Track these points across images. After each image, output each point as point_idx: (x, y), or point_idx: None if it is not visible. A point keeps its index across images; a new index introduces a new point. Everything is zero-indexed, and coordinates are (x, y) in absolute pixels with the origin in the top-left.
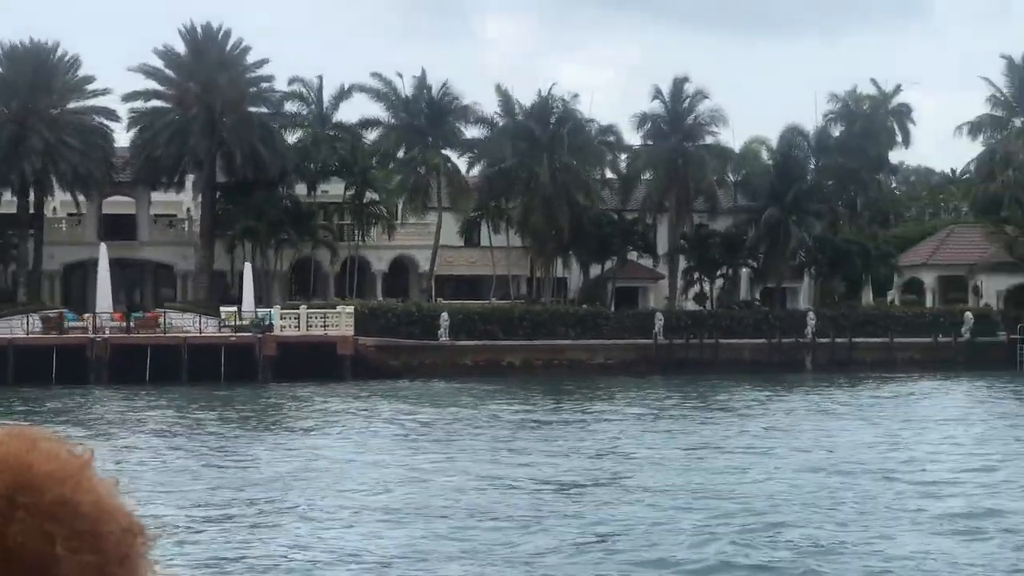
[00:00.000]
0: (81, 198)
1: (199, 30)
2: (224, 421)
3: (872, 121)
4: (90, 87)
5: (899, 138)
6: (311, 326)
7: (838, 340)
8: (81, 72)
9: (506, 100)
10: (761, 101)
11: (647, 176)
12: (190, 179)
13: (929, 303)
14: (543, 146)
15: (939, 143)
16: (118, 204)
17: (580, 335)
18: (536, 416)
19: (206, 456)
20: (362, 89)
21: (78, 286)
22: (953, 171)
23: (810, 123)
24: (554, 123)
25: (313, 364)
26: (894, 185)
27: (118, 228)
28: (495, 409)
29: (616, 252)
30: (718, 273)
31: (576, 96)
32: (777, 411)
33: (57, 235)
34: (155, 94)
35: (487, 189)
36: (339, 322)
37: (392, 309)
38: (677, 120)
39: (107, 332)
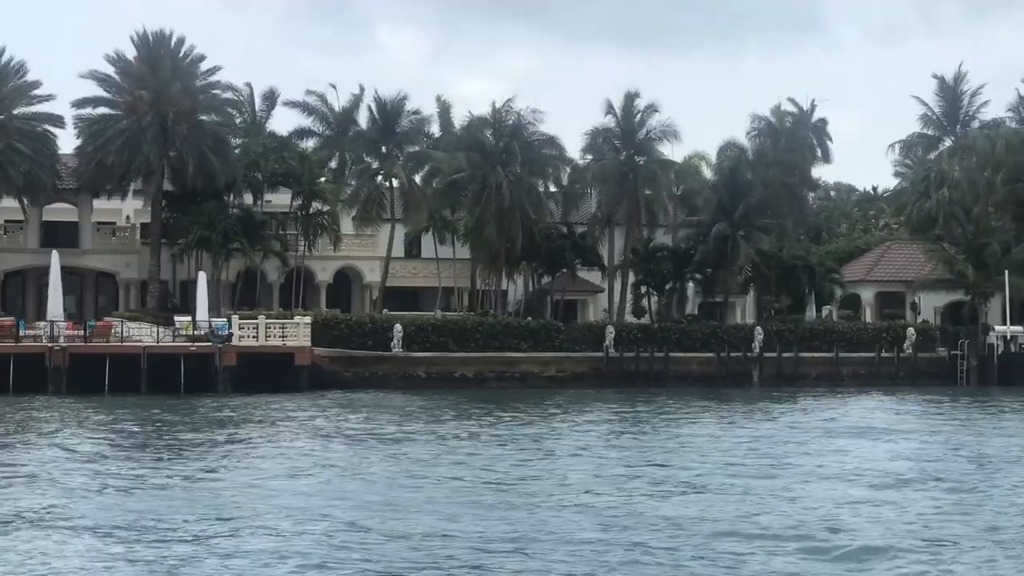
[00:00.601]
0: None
1: (151, 37)
2: (181, 432)
3: (795, 137)
4: (36, 92)
5: (819, 154)
6: (269, 336)
7: (784, 355)
8: (28, 78)
9: (445, 112)
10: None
11: (594, 189)
12: (132, 187)
13: (868, 318)
14: (496, 158)
15: (848, 159)
16: (58, 211)
17: (532, 348)
18: (476, 429)
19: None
20: (294, 103)
21: (16, 293)
22: (874, 188)
23: (719, 138)
24: (507, 135)
25: (270, 375)
26: (813, 201)
27: (57, 235)
28: (443, 423)
29: (567, 265)
30: (667, 287)
31: (535, 111)
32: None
33: None
34: (104, 101)
35: (439, 200)
36: (296, 333)
37: (345, 320)
38: (629, 134)
39: (62, 340)
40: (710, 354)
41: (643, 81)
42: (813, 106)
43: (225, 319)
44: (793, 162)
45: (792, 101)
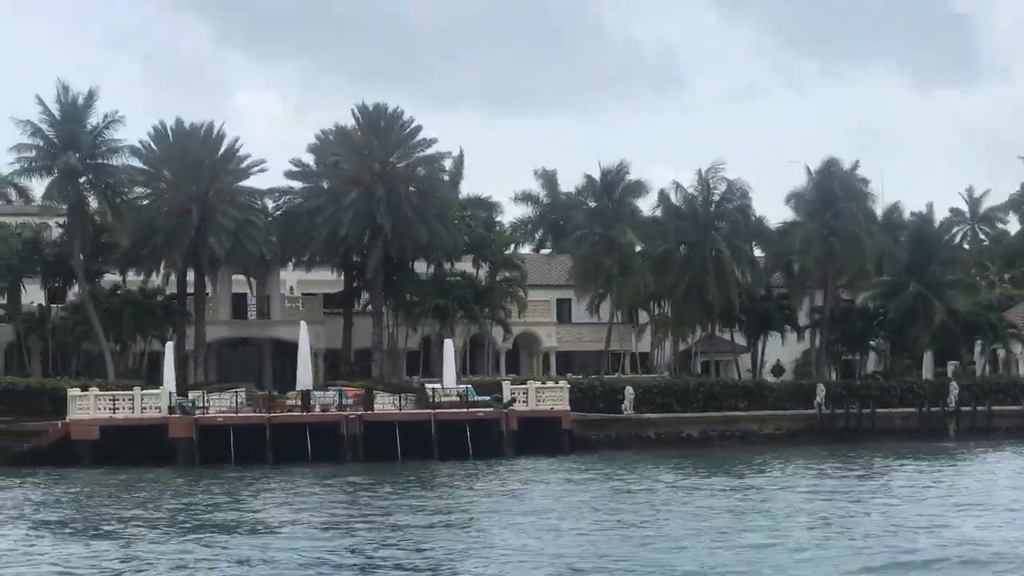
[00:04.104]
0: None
1: (370, 108)
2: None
3: None
4: (255, 168)
5: None
6: (539, 401)
7: (978, 408)
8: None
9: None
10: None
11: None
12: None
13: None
14: (708, 224)
15: None
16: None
17: (748, 406)
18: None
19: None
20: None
21: (226, 364)
22: None
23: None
24: (716, 202)
25: (542, 438)
26: None
27: (235, 306)
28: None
29: (776, 326)
30: (862, 346)
31: (737, 179)
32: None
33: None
34: (318, 174)
35: (652, 266)
36: (559, 397)
37: (578, 384)
38: (828, 199)
39: (333, 409)
40: (911, 409)
41: (506, 140)
42: None
43: (468, 385)
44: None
45: None
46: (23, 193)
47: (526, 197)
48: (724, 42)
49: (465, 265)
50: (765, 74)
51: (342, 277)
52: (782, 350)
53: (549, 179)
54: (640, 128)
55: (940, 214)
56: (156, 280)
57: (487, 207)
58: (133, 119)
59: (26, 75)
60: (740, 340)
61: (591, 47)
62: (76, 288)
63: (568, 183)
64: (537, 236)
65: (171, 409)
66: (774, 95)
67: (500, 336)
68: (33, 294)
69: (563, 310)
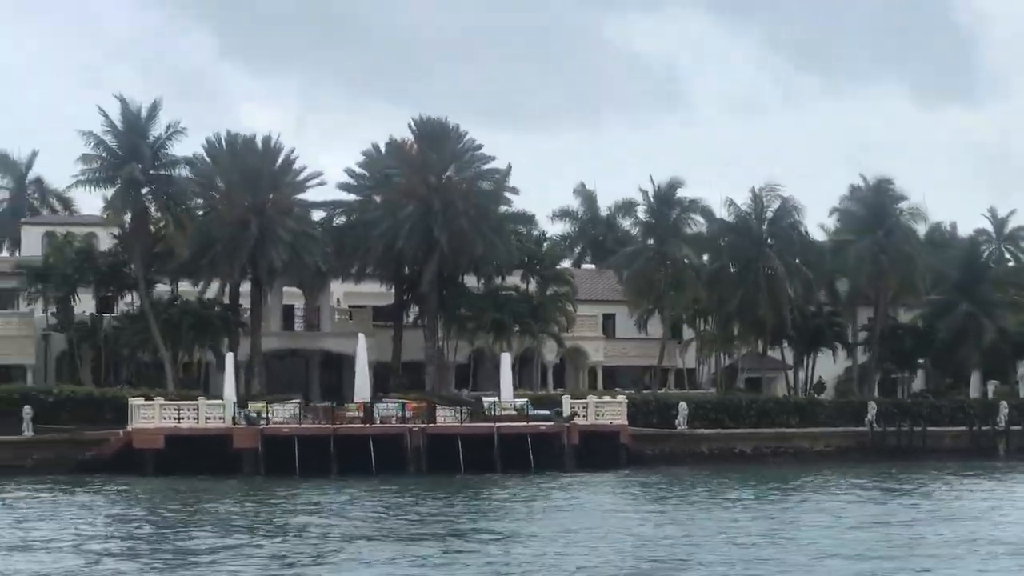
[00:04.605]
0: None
1: (425, 121)
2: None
3: None
4: (313, 180)
5: None
6: (598, 416)
7: None
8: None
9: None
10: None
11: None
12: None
13: None
14: (760, 241)
15: None
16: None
17: (800, 423)
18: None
19: None
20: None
21: (277, 375)
22: None
23: None
24: (770, 218)
25: (601, 452)
26: None
27: (285, 318)
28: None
29: (827, 343)
30: (911, 365)
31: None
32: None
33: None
34: (370, 187)
35: (704, 282)
36: (617, 412)
37: (632, 399)
38: (880, 216)
39: (393, 422)
40: (961, 428)
41: (508, 154)
42: None
43: (525, 399)
44: None
45: None
46: (67, 205)
47: (564, 213)
48: (725, 56)
49: (513, 279)
50: (766, 88)
51: (390, 289)
52: (822, 368)
53: (587, 196)
54: (640, 141)
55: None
56: (212, 291)
57: (526, 221)
58: None
59: (26, 83)
60: (777, 356)
61: (592, 60)
62: (128, 298)
63: (565, 198)
64: (576, 251)
65: (235, 419)
66: (774, 110)
67: (549, 351)
68: (81, 303)
69: (607, 325)
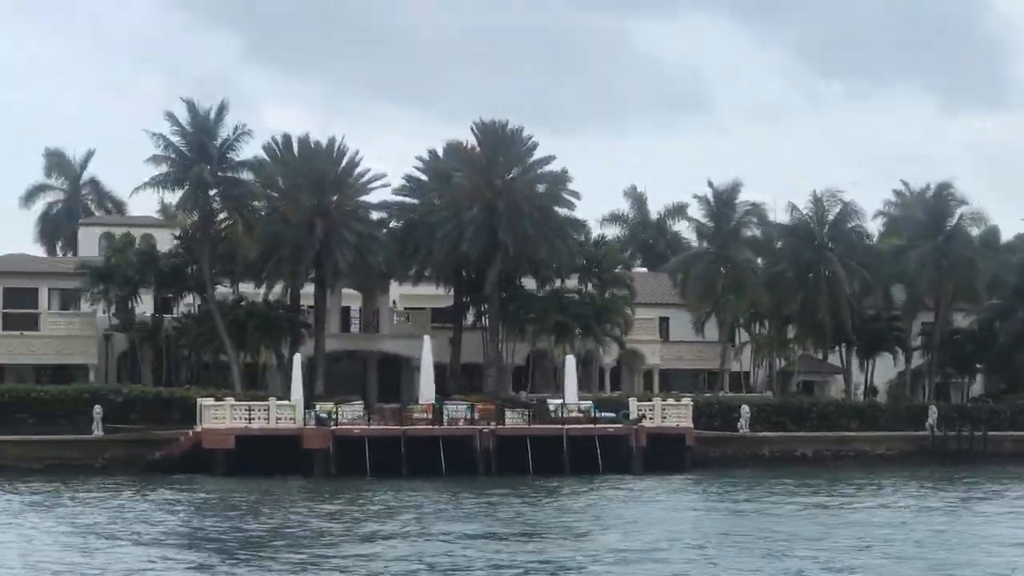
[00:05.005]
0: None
1: (487, 124)
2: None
3: None
4: (376, 182)
5: None
6: (665, 418)
7: None
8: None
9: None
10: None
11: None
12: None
13: None
14: (821, 246)
15: None
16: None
17: (860, 427)
18: None
19: None
20: None
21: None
22: None
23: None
24: (831, 222)
25: (666, 455)
26: None
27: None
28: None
29: (887, 347)
30: (970, 369)
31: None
32: None
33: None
34: (430, 189)
35: (768, 286)
36: (682, 415)
37: (695, 402)
38: (939, 221)
39: (460, 423)
40: (1022, 432)
41: None
42: None
43: (590, 401)
44: None
45: None
46: (119, 208)
47: (614, 217)
48: (749, 64)
49: (570, 282)
50: (790, 96)
51: (448, 291)
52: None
53: (638, 199)
54: (665, 148)
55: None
56: (275, 292)
57: (578, 227)
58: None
59: (49, 87)
60: (829, 359)
61: (616, 67)
62: (187, 298)
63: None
64: (626, 254)
65: (305, 420)
66: (798, 117)
67: (607, 353)
68: (140, 304)
69: (662, 328)
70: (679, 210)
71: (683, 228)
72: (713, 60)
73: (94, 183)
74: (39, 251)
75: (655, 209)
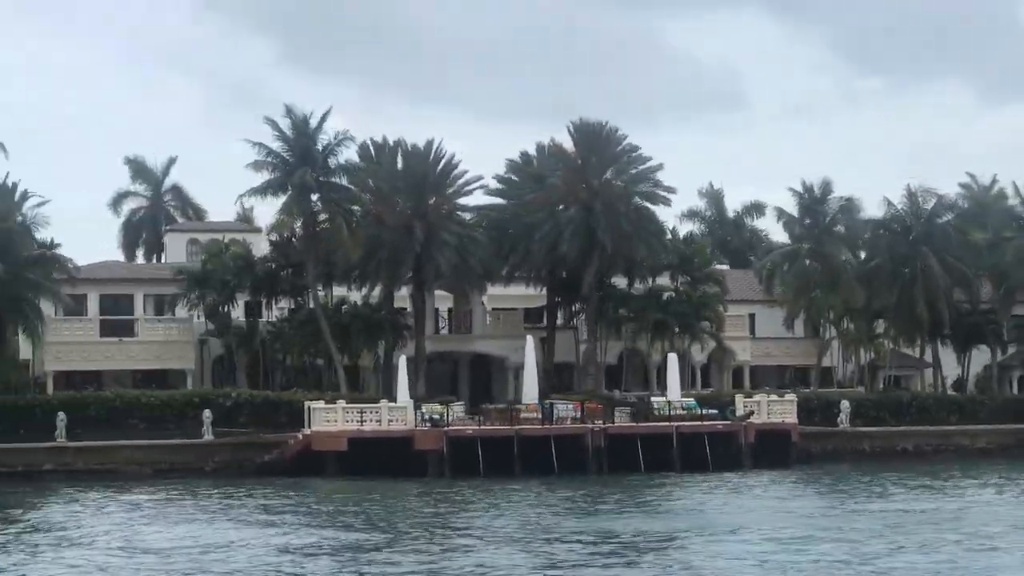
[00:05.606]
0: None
1: (584, 124)
2: None
3: None
4: (474, 184)
5: None
6: (770, 414)
7: None
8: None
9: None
10: None
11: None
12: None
13: None
14: (917, 240)
15: None
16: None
17: (959, 420)
18: None
19: None
20: None
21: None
22: None
23: None
24: (926, 216)
25: (773, 450)
26: None
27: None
28: None
29: (985, 341)
30: None
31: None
32: None
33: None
34: (523, 190)
35: (862, 281)
36: (787, 411)
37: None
38: None
39: (569, 423)
40: None
41: None
42: None
43: (692, 399)
44: None
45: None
46: (199, 214)
47: (692, 214)
48: (785, 59)
49: (661, 280)
50: (827, 91)
51: (540, 291)
52: (958, 366)
53: (715, 197)
54: (700, 144)
55: None
56: (375, 295)
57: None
58: (199, 136)
59: (82, 93)
60: (915, 353)
61: (651, 64)
62: (280, 302)
63: None
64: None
65: (417, 422)
66: (835, 112)
67: (697, 351)
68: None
69: (749, 325)
70: (757, 207)
71: (763, 224)
72: (748, 56)
73: (176, 189)
74: (121, 257)
75: (731, 207)
